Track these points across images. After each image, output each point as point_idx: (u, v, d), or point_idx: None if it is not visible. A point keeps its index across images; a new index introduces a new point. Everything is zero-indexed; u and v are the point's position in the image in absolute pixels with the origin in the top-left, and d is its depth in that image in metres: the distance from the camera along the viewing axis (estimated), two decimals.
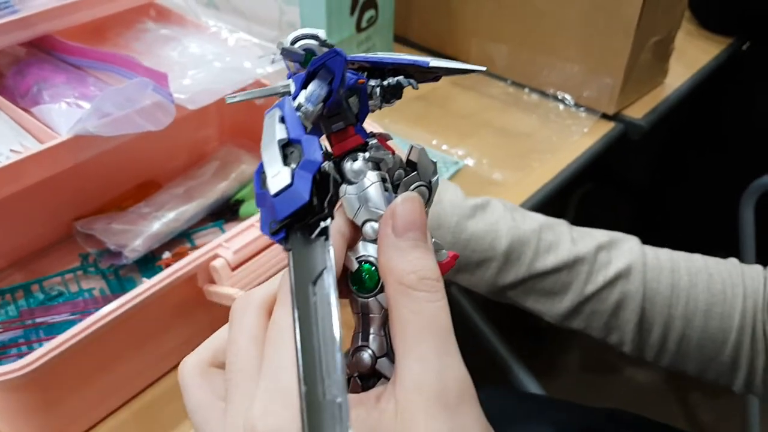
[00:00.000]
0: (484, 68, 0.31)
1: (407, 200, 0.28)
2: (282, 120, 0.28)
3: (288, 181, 0.26)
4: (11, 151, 0.62)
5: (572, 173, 0.84)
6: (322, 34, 0.30)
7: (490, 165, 0.83)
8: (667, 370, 0.60)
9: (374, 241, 0.29)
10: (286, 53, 0.29)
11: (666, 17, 0.90)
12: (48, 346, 0.47)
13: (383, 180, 0.29)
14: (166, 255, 0.67)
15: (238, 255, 0.55)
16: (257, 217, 0.58)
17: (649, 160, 1.43)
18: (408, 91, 0.32)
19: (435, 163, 0.32)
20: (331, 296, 0.25)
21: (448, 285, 0.58)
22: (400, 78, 0.31)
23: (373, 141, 0.30)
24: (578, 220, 0.62)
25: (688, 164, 1.31)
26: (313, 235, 0.26)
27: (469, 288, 0.59)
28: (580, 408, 0.73)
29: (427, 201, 0.31)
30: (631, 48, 0.86)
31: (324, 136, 0.29)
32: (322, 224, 0.26)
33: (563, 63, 0.92)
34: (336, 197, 0.28)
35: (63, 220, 0.70)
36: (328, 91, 0.27)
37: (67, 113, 0.63)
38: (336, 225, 0.29)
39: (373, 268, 0.28)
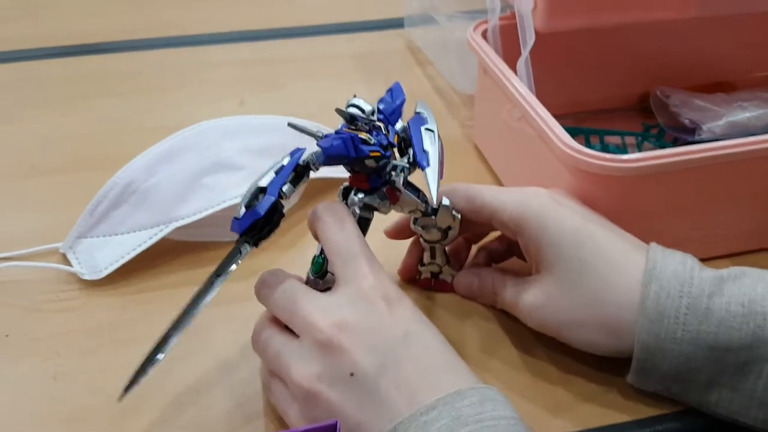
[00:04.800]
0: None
1: None
2: (277, 171, 0.39)
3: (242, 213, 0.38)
4: None
5: None
6: (367, 107, 0.39)
7: None
8: None
9: None
10: (339, 112, 0.39)
11: None
12: (662, 152, 0.44)
13: (364, 218, 0.41)
14: None
15: None
16: None
17: None
18: None
19: (456, 218, 0.45)
20: (214, 292, 0.38)
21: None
22: (399, 180, 0.40)
23: (382, 190, 0.40)
24: None
25: None
26: (242, 245, 0.39)
27: (728, 415, 0.38)
28: None
29: (442, 239, 0.46)
30: None
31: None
32: (246, 246, 0.38)
33: None
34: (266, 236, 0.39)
35: (631, 89, 0.68)
36: (346, 157, 0.39)
37: None
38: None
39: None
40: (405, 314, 0.36)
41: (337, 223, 0.39)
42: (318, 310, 0.36)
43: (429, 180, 0.38)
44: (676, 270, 0.38)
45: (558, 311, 0.40)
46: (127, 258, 0.50)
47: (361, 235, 0.39)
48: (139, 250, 0.50)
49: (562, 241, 0.40)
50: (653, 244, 0.41)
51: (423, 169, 0.39)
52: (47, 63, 0.78)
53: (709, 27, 0.64)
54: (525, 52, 0.52)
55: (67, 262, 0.51)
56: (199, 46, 0.82)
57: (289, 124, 0.39)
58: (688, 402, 0.40)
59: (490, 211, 0.43)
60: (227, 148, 0.53)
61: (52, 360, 0.44)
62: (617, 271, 0.39)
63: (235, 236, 0.39)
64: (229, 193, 0.51)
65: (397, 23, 0.85)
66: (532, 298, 0.41)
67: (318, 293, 0.38)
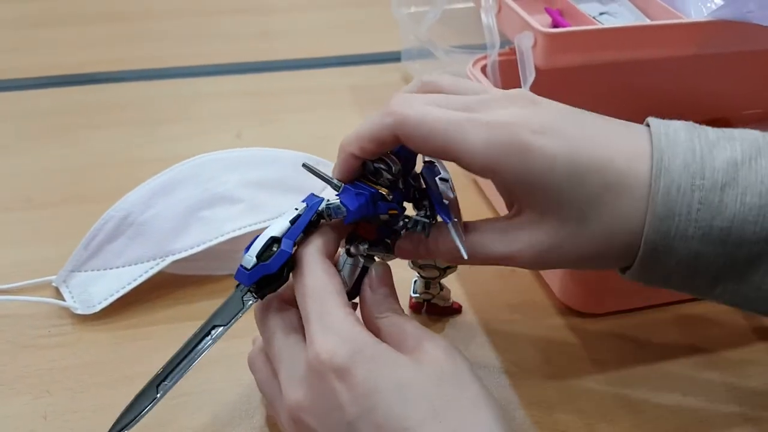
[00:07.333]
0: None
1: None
2: (293, 220, 0.36)
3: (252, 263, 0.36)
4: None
5: None
6: (395, 167, 0.38)
7: None
8: None
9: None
10: (365, 167, 0.38)
11: None
12: None
13: (364, 267, 0.39)
14: None
15: None
16: None
17: None
18: None
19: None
20: (213, 344, 0.37)
21: None
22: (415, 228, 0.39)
23: (387, 241, 0.40)
24: None
25: None
26: (245, 296, 0.37)
27: (730, 305, 0.37)
28: None
29: (440, 276, 0.48)
30: None
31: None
32: (250, 299, 0.37)
33: None
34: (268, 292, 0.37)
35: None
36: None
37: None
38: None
39: None
40: (359, 388, 0.32)
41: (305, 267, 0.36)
42: (285, 381, 0.35)
43: (455, 235, 0.37)
44: (686, 159, 0.34)
45: (567, 251, 0.36)
46: (121, 292, 0.49)
47: (324, 277, 0.36)
48: (134, 284, 0.49)
49: (552, 180, 0.34)
50: (654, 124, 0.36)
51: (447, 223, 0.37)
52: (42, 93, 0.77)
53: (704, 64, 0.65)
54: (525, 88, 0.53)
55: (60, 296, 0.50)
56: (196, 77, 0.82)
57: (304, 165, 0.38)
58: (687, 293, 0.37)
59: (453, 156, 0.36)
60: (226, 180, 0.52)
61: (43, 398, 0.43)
62: (623, 189, 0.34)
63: (233, 267, 0.37)
64: (226, 226, 0.50)
65: (394, 57, 0.85)
66: (530, 243, 0.36)
67: (295, 353, 0.35)
